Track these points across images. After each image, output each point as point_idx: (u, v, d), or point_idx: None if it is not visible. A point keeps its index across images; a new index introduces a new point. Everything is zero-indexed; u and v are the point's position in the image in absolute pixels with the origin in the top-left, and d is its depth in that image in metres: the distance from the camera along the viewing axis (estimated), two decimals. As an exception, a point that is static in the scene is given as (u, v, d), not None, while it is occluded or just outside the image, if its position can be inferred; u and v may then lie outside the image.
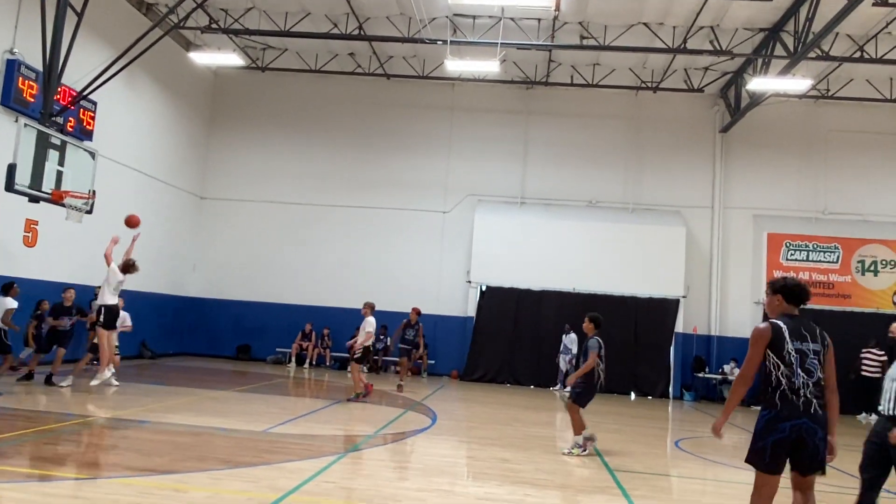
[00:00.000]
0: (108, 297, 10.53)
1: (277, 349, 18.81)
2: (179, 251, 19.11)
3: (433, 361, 18.66)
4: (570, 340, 17.68)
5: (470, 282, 18.75)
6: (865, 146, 18.54)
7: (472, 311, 18.69)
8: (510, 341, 18.34)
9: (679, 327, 18.14)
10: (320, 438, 8.45)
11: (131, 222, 11.15)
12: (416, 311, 14.55)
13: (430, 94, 19.93)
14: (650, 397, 17.63)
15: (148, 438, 7.59)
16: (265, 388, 13.47)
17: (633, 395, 17.63)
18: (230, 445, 7.59)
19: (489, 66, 15.67)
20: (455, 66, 15.62)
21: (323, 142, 20.12)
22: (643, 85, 18.57)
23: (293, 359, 18.35)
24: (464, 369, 18.44)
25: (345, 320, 17.65)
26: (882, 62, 14.95)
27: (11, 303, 7.56)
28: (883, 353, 15.81)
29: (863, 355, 16.59)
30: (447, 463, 7.50)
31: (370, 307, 12.22)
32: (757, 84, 15.09)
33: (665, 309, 18.14)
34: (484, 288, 18.68)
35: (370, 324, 12.00)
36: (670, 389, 17.96)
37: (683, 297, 18.16)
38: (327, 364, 18.60)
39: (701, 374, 17.88)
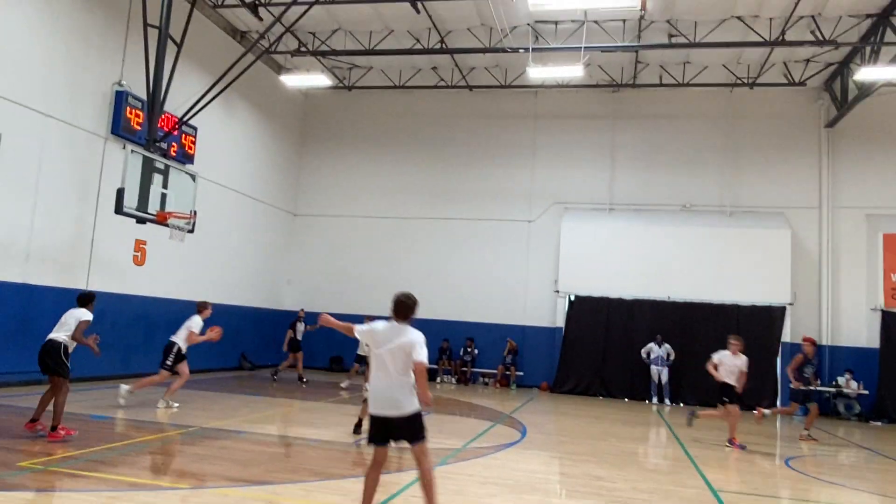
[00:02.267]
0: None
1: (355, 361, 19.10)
2: (274, 266, 19.88)
3: (522, 373, 18.39)
4: (664, 350, 16.99)
5: (558, 291, 18.38)
6: None
7: (560, 322, 18.30)
8: (601, 352, 17.80)
9: (787, 336, 16.98)
10: (409, 451, 8.42)
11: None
12: None
13: (512, 103, 19.81)
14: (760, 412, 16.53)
15: (245, 449, 7.82)
16: (357, 399, 13.67)
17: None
18: (322, 457, 7.70)
19: (573, 72, 15.37)
20: (538, 73, 15.44)
21: (408, 156, 20.40)
22: (738, 81, 17.65)
23: (357, 368, 18.46)
24: (554, 381, 18.05)
25: (433, 331, 17.70)
26: None
27: (87, 314, 7.78)
28: None
29: None
30: (538, 479, 7.28)
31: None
32: (866, 74, 13.97)
33: (770, 317, 17.05)
34: (573, 297, 18.25)
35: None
36: (778, 402, 16.81)
37: (790, 304, 17.00)
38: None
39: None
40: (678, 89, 18.09)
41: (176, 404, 10.34)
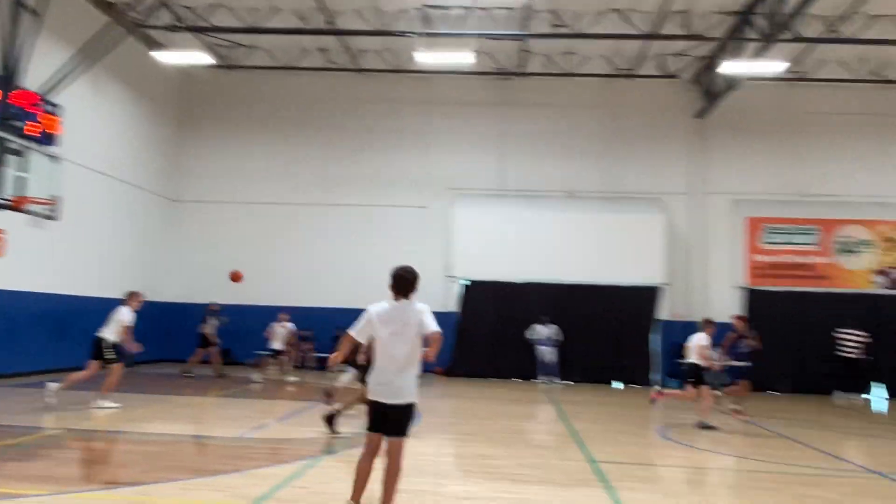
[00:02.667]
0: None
1: (256, 352, 18.50)
2: (153, 255, 18.76)
3: (417, 358, 18.47)
4: (551, 331, 17.62)
5: (452, 276, 18.60)
6: (841, 127, 18.61)
7: (453, 307, 18.54)
8: (495, 335, 18.23)
9: (661, 314, 18.11)
10: (297, 442, 8.26)
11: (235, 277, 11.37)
12: None
13: (405, 89, 19.71)
14: (635, 385, 17.59)
15: (119, 450, 7.35)
16: (243, 392, 13.22)
17: (616, 385, 17.58)
18: (202, 453, 7.37)
19: (462, 58, 15.48)
20: (426, 58, 15.41)
21: (297, 140, 19.84)
22: (618, 72, 18.47)
23: (272, 362, 18.01)
24: (448, 365, 18.29)
25: (324, 320, 17.40)
26: (855, 42, 14.97)
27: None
28: (863, 333, 16.03)
29: (840, 335, 16.74)
30: (428, 462, 7.33)
31: None
32: (730, 68, 15.04)
33: (646, 297, 18.11)
34: (467, 282, 18.53)
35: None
36: (655, 377, 17.94)
37: (665, 284, 18.13)
38: (306, 366, 18.28)
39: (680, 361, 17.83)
40: (564, 79, 18.69)
41: (115, 404, 9.63)
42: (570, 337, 17.70)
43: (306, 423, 9.65)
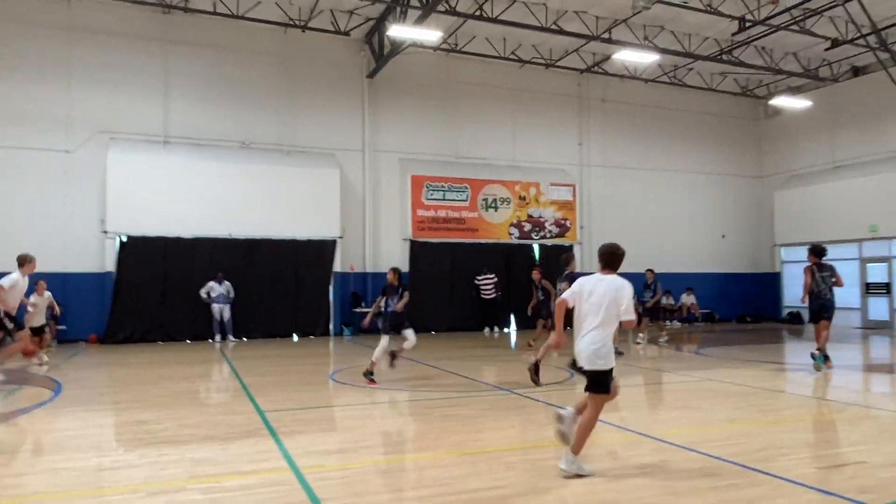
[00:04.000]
0: None
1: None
2: None
3: (64, 327, 16.10)
4: (225, 288, 16.97)
5: (106, 232, 16.50)
6: (487, 98, 21.20)
7: (110, 266, 16.54)
8: (160, 295, 16.80)
9: (337, 267, 18.73)
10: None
11: None
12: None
13: (40, 10, 16.50)
14: (312, 337, 18.01)
15: None
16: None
17: (295, 337, 17.80)
18: None
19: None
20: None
21: None
22: (291, 22, 18.13)
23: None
24: (105, 331, 16.34)
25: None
26: (497, 22, 17.02)
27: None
28: (493, 276, 19.49)
29: (479, 280, 19.65)
30: (67, 437, 6.42)
31: None
32: (395, 32, 15.88)
33: (323, 250, 18.52)
34: (124, 238, 16.62)
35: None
36: (331, 327, 18.59)
37: (340, 237, 18.74)
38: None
39: (358, 310, 18.85)
40: (235, 21, 17.63)
41: None
42: (249, 292, 17.27)
43: None
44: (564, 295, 5.27)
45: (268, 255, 17.81)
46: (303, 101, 19.10)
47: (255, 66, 18.64)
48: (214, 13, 17.25)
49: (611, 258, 5.20)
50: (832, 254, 21.56)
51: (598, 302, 5.01)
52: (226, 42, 18.23)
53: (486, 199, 20.68)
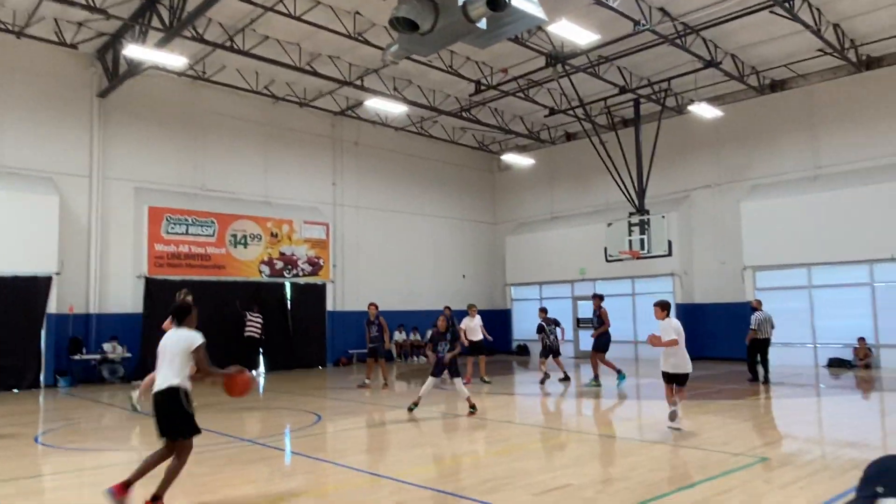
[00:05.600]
0: None
1: None
2: None
3: None
4: None
5: None
6: (238, 130, 20.45)
7: None
8: None
9: (52, 307, 16.29)
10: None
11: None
12: None
13: None
14: (16, 391, 15.31)
15: None
16: None
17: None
18: None
19: None
20: None
21: None
22: (3, 26, 15.70)
23: None
24: None
25: None
26: (248, 55, 16.62)
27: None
28: (260, 315, 18.96)
29: (249, 318, 18.98)
30: None
31: None
32: (134, 52, 14.62)
33: (35, 288, 15.98)
34: None
35: None
36: (41, 378, 16.02)
37: (57, 273, 16.36)
38: None
39: (78, 357, 16.55)
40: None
41: None
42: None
43: None
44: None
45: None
46: (16, 117, 16.52)
47: (-51, 69, 15.68)
48: None
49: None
50: (550, 293, 24.78)
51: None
52: None
53: (234, 235, 19.78)
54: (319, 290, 21.64)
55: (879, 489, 1.44)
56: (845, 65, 18.12)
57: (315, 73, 18.02)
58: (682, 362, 8.61)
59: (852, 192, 17.75)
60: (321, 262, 21.71)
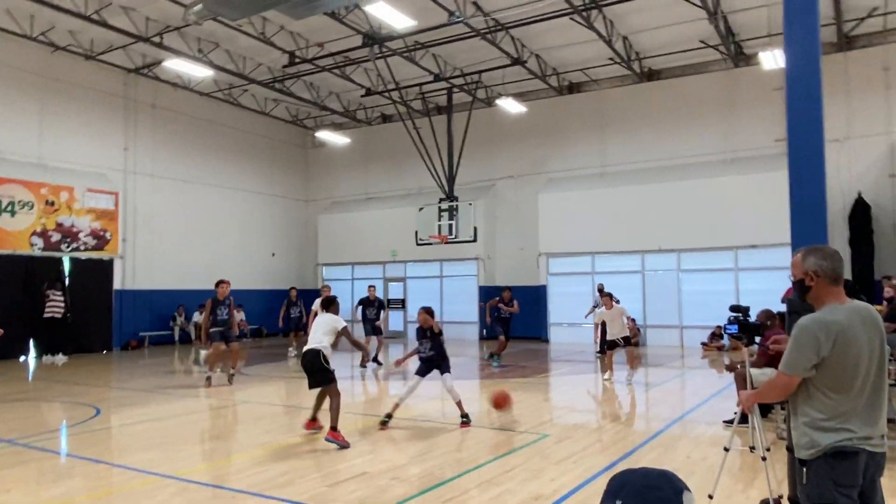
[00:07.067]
0: None
1: None
2: None
3: None
4: None
5: None
6: (7, 80, 17.63)
7: None
8: None
9: None
10: None
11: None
12: None
13: None
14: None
15: None
16: None
17: None
18: None
19: None
20: None
21: None
22: None
23: None
24: None
25: None
26: None
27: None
28: (62, 293, 17.25)
29: (51, 297, 16.84)
30: None
31: None
32: None
33: None
34: None
35: None
36: None
37: None
38: None
39: None
40: None
41: None
42: None
43: None
44: None
45: None
46: None
47: None
48: None
49: None
50: (362, 273, 24.80)
51: None
52: None
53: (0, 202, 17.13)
54: (105, 266, 19.56)
55: (618, 502, 1.56)
56: (631, 74, 20.18)
57: (104, 24, 16.08)
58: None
59: (632, 190, 19.92)
60: (108, 235, 19.59)
